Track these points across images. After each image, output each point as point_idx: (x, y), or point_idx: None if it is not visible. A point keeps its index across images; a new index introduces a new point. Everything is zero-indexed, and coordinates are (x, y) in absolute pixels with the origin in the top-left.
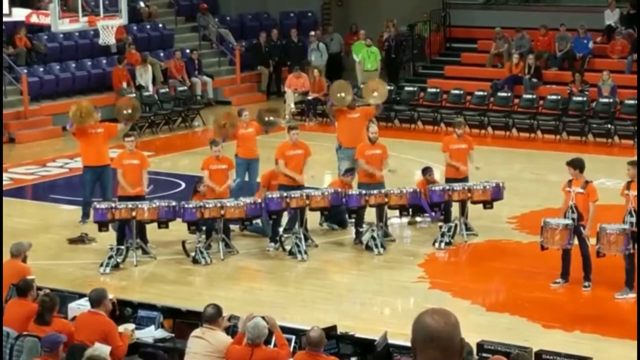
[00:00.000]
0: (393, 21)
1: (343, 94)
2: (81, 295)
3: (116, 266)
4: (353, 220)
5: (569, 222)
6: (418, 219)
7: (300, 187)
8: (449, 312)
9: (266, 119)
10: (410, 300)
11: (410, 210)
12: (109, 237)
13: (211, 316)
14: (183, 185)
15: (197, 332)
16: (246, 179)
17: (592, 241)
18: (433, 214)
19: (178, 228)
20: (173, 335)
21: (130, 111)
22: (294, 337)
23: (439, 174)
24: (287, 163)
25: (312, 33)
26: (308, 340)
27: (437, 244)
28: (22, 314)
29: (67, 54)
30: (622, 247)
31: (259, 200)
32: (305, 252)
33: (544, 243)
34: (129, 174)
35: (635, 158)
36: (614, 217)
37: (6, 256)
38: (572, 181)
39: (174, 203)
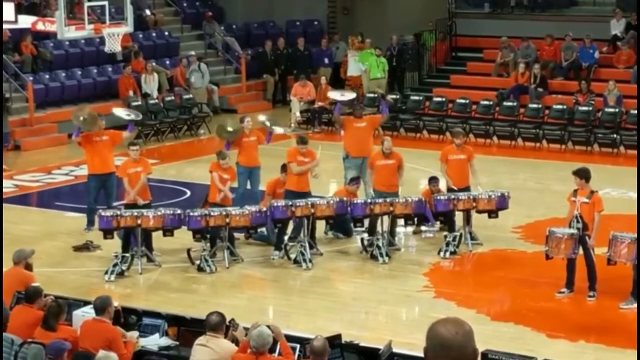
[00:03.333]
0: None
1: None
2: (86, 303)
3: (121, 274)
4: (359, 229)
5: (574, 231)
6: (423, 228)
7: (306, 195)
8: (462, 321)
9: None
10: (414, 310)
11: (416, 219)
12: (114, 244)
13: (215, 324)
14: (188, 193)
15: (201, 340)
16: (248, 187)
17: (597, 251)
18: (436, 223)
19: (183, 236)
20: (177, 343)
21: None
22: (298, 346)
23: (443, 185)
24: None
25: (193, 52)
26: (312, 349)
27: (442, 253)
28: (27, 320)
29: (73, 61)
30: (632, 256)
31: (264, 209)
32: (310, 261)
33: (549, 252)
34: (133, 183)
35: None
36: (619, 226)
37: (9, 263)
38: (577, 191)
39: (179, 211)
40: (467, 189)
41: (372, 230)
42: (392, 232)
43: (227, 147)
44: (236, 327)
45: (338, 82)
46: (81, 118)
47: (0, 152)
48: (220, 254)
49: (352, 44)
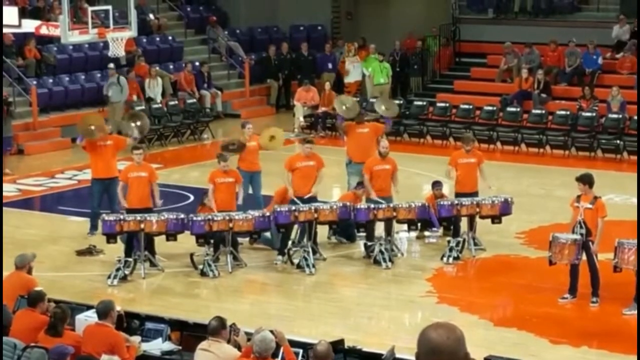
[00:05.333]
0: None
1: (346, 105)
2: (89, 307)
3: (124, 278)
4: (362, 234)
5: (578, 237)
6: (426, 233)
7: (310, 200)
8: (453, 326)
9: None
10: (417, 315)
11: (419, 224)
12: (117, 249)
13: (214, 329)
14: (192, 197)
15: (203, 344)
16: (250, 192)
17: (600, 257)
18: (441, 227)
19: (186, 241)
20: (180, 347)
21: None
22: (301, 351)
23: (447, 189)
24: (297, 173)
25: (111, 65)
26: (315, 354)
27: (445, 259)
28: (30, 325)
29: (77, 65)
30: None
31: (268, 214)
32: (313, 266)
33: (552, 258)
34: (135, 187)
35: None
36: (622, 232)
37: (10, 267)
38: (580, 196)
39: (182, 215)
40: (475, 194)
41: (370, 236)
42: (389, 234)
43: None
44: (237, 332)
45: (343, 87)
46: (92, 128)
47: (0, 155)
48: (223, 258)
49: (348, 50)
